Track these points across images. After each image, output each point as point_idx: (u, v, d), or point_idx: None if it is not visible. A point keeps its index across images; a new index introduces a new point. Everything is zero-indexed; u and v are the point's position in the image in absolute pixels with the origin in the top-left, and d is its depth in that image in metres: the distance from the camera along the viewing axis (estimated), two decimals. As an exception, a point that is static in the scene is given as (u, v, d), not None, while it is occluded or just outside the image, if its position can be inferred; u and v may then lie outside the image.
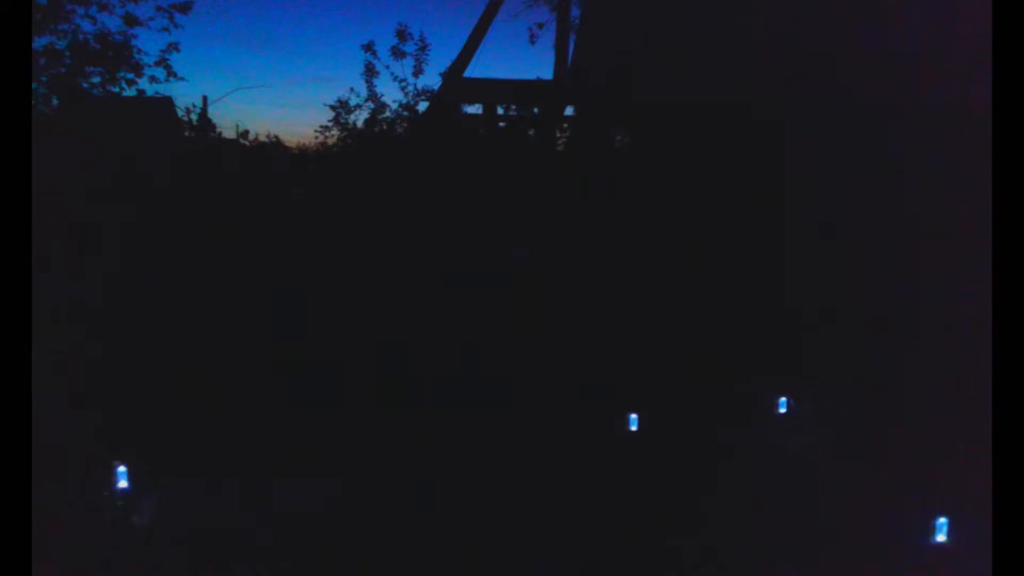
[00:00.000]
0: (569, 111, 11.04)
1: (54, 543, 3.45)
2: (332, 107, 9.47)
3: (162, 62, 7.86)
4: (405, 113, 9.64)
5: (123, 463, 4.18)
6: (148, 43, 7.94)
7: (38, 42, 7.17)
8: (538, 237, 8.70)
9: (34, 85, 7.27)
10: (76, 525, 3.76)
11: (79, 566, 3.47)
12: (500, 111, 10.46)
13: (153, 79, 7.86)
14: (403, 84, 9.38)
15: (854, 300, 6.95)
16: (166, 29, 7.78)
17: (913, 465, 4.61)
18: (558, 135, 11.04)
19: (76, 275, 6.54)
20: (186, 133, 9.19)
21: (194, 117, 9.13)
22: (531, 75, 11.14)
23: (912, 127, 6.84)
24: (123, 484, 4.14)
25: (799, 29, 7.79)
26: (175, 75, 7.96)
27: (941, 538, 3.79)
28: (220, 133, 9.56)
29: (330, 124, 9.61)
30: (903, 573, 3.64)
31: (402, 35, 9.24)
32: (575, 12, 11.02)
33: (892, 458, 4.74)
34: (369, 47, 9.20)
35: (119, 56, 7.64)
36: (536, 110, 10.74)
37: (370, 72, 9.28)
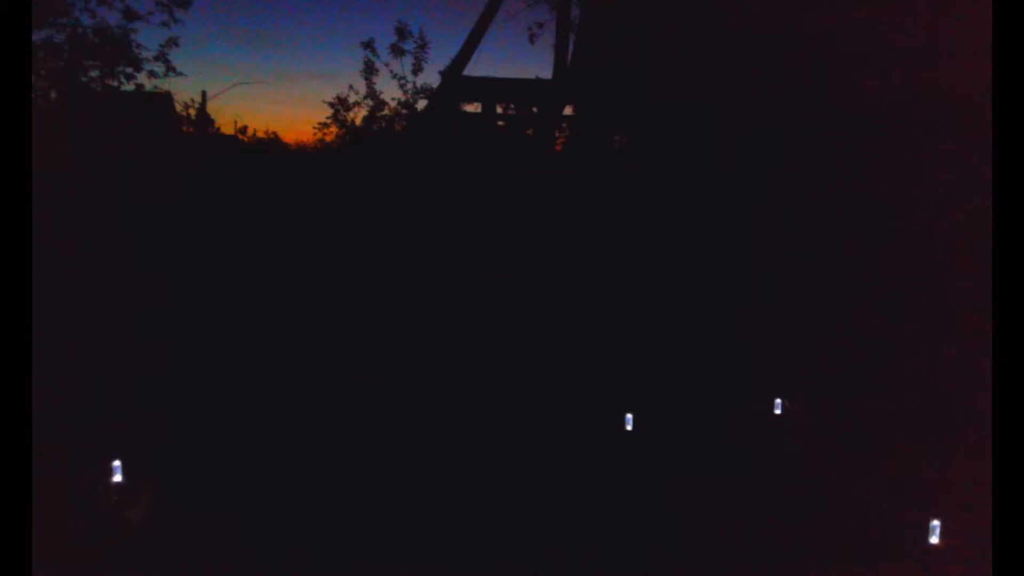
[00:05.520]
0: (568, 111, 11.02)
1: (53, 542, 3.44)
2: (331, 104, 9.45)
3: (161, 57, 7.85)
4: (404, 111, 9.61)
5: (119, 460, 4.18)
6: (147, 38, 7.93)
7: (37, 36, 7.14)
8: (536, 236, 8.69)
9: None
10: (77, 523, 3.76)
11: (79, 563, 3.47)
12: (499, 110, 10.45)
13: (152, 74, 7.86)
14: (402, 82, 9.36)
15: (852, 300, 6.96)
16: (165, 24, 7.78)
17: (909, 466, 4.62)
18: (557, 135, 11.03)
19: (75, 270, 6.52)
20: (184, 128, 9.17)
21: (193, 112, 9.12)
22: (531, 75, 11.08)
23: (912, 123, 6.85)
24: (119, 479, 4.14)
25: (798, 27, 7.79)
26: (174, 70, 7.96)
27: (934, 540, 3.80)
28: (219, 129, 9.55)
29: (329, 121, 9.58)
30: (899, 574, 3.65)
31: (402, 33, 9.22)
32: (575, 12, 11.00)
33: (887, 459, 4.75)
34: (368, 45, 9.18)
35: (118, 51, 7.61)
36: (535, 109, 10.72)
37: (369, 70, 9.25)
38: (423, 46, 9.26)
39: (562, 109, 10.92)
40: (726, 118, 8.12)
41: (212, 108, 9.49)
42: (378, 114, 9.51)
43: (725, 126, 8.17)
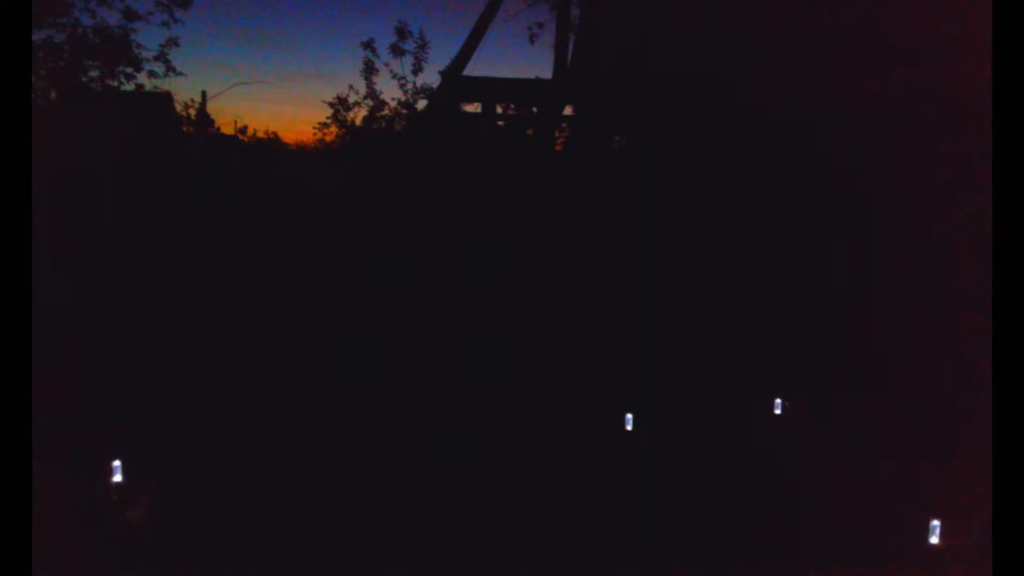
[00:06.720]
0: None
1: (53, 541, 3.44)
2: (331, 104, 9.45)
3: (161, 57, 7.86)
4: (404, 111, 9.61)
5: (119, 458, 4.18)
6: (147, 38, 7.93)
7: (37, 36, 7.14)
8: (536, 236, 8.70)
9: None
10: (77, 522, 3.76)
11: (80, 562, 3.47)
12: (499, 110, 10.46)
13: (152, 74, 7.86)
14: (402, 82, 9.36)
15: (852, 300, 6.96)
16: (165, 24, 7.79)
17: (908, 466, 4.62)
18: (557, 135, 11.03)
19: (75, 270, 6.52)
20: (184, 128, 9.17)
21: (193, 112, 9.13)
22: (531, 75, 11.06)
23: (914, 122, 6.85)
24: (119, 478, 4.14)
25: (798, 27, 7.79)
26: (174, 70, 7.97)
27: (934, 540, 3.80)
28: (219, 129, 9.56)
29: (329, 121, 9.58)
30: (899, 574, 3.65)
31: (402, 33, 9.22)
32: (575, 12, 11.00)
33: (887, 459, 4.75)
34: (368, 45, 9.18)
35: (118, 51, 7.62)
36: (535, 109, 10.72)
37: (369, 70, 9.25)
38: (423, 46, 9.27)
39: (562, 109, 10.92)
40: (726, 118, 8.11)
41: (212, 108, 9.52)
42: (378, 114, 9.51)
43: (725, 126, 8.16)
